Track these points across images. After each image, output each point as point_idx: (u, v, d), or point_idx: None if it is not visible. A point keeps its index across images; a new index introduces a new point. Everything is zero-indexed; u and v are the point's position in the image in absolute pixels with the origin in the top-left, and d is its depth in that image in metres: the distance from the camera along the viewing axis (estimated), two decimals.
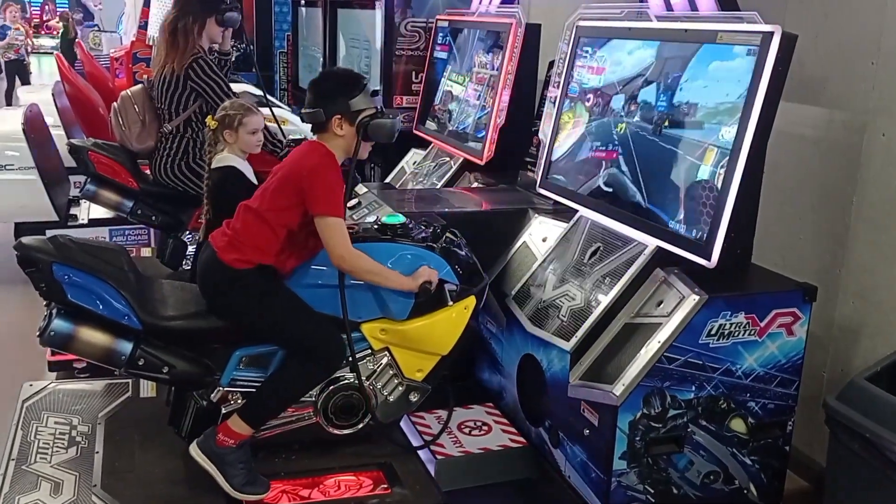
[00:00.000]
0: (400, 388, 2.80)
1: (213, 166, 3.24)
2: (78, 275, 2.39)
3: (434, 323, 2.72)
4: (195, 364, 2.58)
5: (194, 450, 2.52)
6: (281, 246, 2.53)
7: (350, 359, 2.67)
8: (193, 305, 2.59)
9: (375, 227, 2.80)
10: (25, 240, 2.44)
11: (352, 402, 2.75)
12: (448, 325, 2.75)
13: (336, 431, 2.76)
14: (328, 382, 2.70)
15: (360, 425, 2.78)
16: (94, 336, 2.46)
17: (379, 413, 2.78)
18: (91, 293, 2.41)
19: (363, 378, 2.72)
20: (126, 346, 2.49)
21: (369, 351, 2.73)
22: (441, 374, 2.85)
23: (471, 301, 2.78)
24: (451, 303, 2.70)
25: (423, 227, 2.85)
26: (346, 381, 2.72)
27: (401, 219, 2.81)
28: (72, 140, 4.32)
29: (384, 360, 2.76)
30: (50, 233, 5.22)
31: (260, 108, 3.43)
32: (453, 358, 2.83)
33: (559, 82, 3.46)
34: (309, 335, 2.57)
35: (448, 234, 2.86)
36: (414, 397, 2.83)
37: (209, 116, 3.30)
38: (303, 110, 2.61)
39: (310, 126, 2.62)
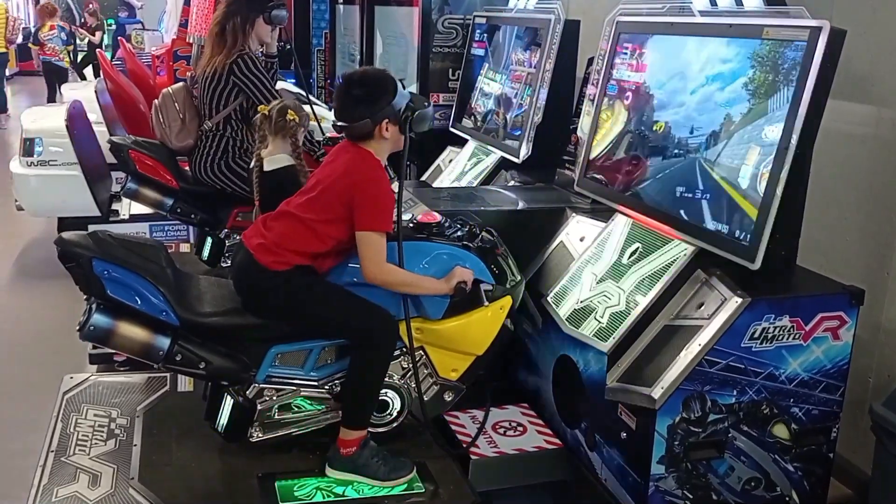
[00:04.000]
0: (434, 388, 2.79)
1: (267, 169, 3.24)
2: (117, 270, 2.41)
3: (469, 323, 2.70)
4: (231, 360, 2.59)
5: (331, 472, 2.59)
6: (325, 252, 2.54)
7: (405, 351, 2.67)
8: (230, 302, 2.60)
9: (411, 225, 2.78)
10: (66, 235, 2.46)
11: (385, 401, 2.74)
12: (483, 324, 2.73)
13: (370, 430, 2.75)
14: None
15: (395, 424, 2.77)
16: (132, 331, 2.48)
17: (414, 411, 2.76)
18: (130, 289, 2.43)
19: (399, 377, 2.72)
20: (164, 342, 2.50)
21: (404, 350, 2.72)
22: (476, 373, 2.83)
23: (507, 301, 2.75)
24: (486, 303, 2.67)
25: (458, 226, 2.83)
26: None
27: (436, 217, 2.79)
28: (113, 138, 4.38)
29: (419, 360, 2.74)
30: (92, 228, 5.35)
31: (302, 106, 3.45)
32: (489, 358, 2.81)
33: (598, 80, 3.42)
34: (360, 319, 2.57)
35: (484, 234, 2.84)
36: (448, 397, 2.81)
37: (289, 112, 3.28)
38: (340, 124, 2.52)
39: (345, 134, 2.55)
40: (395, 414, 2.77)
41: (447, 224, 2.81)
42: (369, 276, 2.50)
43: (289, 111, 3.26)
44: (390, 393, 2.74)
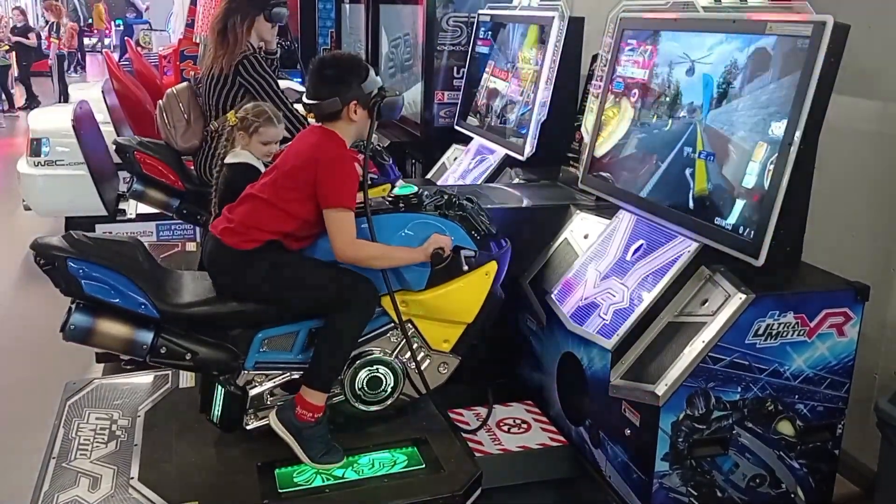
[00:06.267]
0: (428, 360, 2.77)
1: (226, 161, 3.21)
2: (92, 268, 2.41)
3: (454, 290, 2.68)
4: (217, 349, 2.60)
5: (273, 421, 2.57)
6: (292, 231, 2.55)
7: (395, 325, 2.67)
8: (211, 291, 2.61)
9: (388, 199, 2.77)
10: (41, 238, 2.46)
11: (378, 377, 2.73)
12: (468, 291, 2.71)
13: (363, 408, 2.75)
14: (354, 358, 2.69)
15: (389, 401, 2.76)
16: (113, 328, 2.48)
17: (409, 388, 2.76)
18: (106, 285, 2.42)
19: (390, 352, 2.72)
20: (146, 336, 2.50)
21: (392, 324, 2.71)
22: (470, 343, 2.80)
23: (492, 267, 2.73)
24: (465, 268, 2.65)
25: (437, 197, 2.82)
26: (373, 356, 2.71)
27: (413, 189, 2.78)
28: (118, 139, 4.37)
29: (408, 333, 2.72)
30: (100, 227, 5.39)
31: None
32: (480, 326, 2.78)
33: (602, 76, 3.41)
34: (337, 286, 2.56)
35: (462, 201, 2.82)
36: (443, 369, 2.79)
37: (231, 112, 3.29)
38: (308, 101, 2.57)
39: (314, 116, 2.60)
40: (388, 390, 2.75)
41: (425, 194, 2.79)
42: (340, 255, 2.50)
43: (231, 113, 3.24)
44: (382, 369, 2.73)
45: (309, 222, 2.54)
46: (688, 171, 2.78)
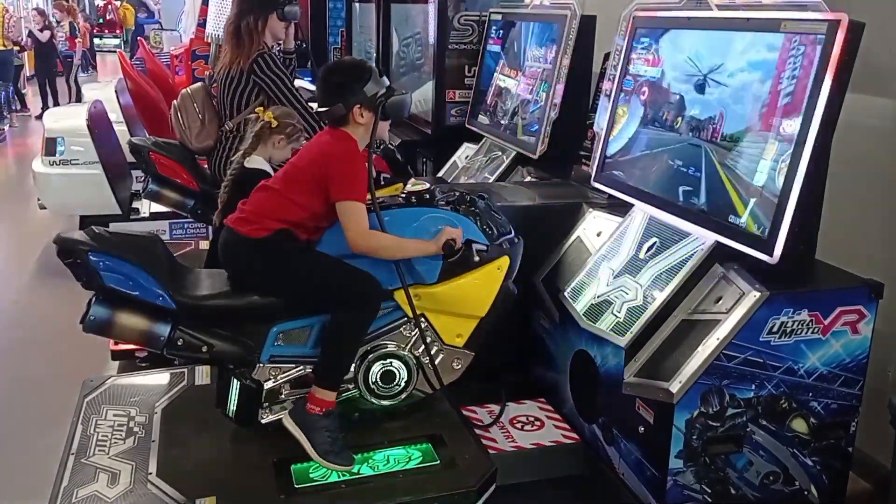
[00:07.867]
0: (441, 355, 2.79)
1: (247, 165, 3.26)
2: (112, 260, 2.46)
3: (465, 284, 2.72)
4: (233, 342, 2.63)
5: (286, 419, 2.61)
6: (300, 220, 2.62)
7: (408, 319, 2.71)
8: (226, 285, 2.66)
9: (402, 196, 2.82)
10: (63, 233, 2.52)
11: (391, 371, 2.76)
12: (480, 285, 2.74)
13: (376, 402, 2.77)
14: (367, 352, 2.71)
15: (403, 395, 2.78)
16: (131, 320, 2.53)
17: (423, 384, 2.78)
18: (125, 277, 2.47)
19: (403, 346, 2.75)
20: (164, 328, 2.55)
21: (405, 319, 2.73)
22: (482, 338, 2.82)
23: (504, 261, 2.76)
24: (476, 259, 2.69)
25: (449, 194, 2.87)
26: (386, 350, 2.73)
27: (425, 185, 2.84)
28: (132, 139, 4.41)
29: (422, 326, 2.75)
30: (113, 226, 5.42)
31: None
32: (493, 321, 2.80)
33: (615, 75, 3.41)
34: (342, 280, 2.61)
35: (474, 197, 2.86)
36: (457, 365, 2.81)
37: (267, 111, 3.32)
38: (319, 109, 2.68)
39: (328, 122, 2.70)
40: (402, 385, 2.78)
41: (437, 191, 2.84)
42: (354, 245, 2.57)
43: (269, 112, 3.31)
44: (395, 363, 2.75)
45: (317, 214, 2.61)
46: (700, 169, 2.78)
